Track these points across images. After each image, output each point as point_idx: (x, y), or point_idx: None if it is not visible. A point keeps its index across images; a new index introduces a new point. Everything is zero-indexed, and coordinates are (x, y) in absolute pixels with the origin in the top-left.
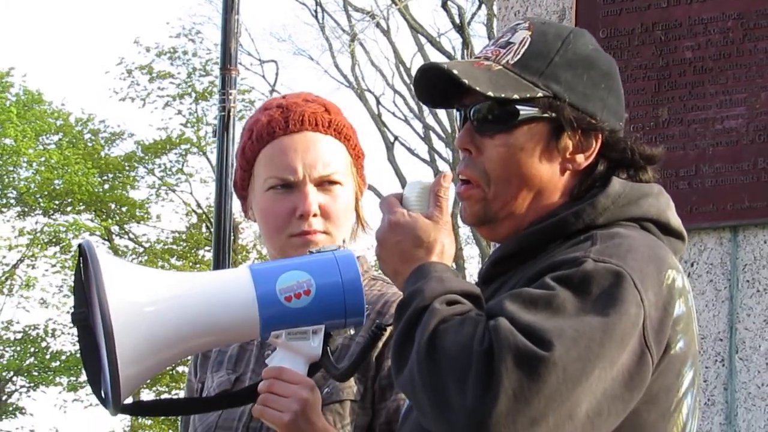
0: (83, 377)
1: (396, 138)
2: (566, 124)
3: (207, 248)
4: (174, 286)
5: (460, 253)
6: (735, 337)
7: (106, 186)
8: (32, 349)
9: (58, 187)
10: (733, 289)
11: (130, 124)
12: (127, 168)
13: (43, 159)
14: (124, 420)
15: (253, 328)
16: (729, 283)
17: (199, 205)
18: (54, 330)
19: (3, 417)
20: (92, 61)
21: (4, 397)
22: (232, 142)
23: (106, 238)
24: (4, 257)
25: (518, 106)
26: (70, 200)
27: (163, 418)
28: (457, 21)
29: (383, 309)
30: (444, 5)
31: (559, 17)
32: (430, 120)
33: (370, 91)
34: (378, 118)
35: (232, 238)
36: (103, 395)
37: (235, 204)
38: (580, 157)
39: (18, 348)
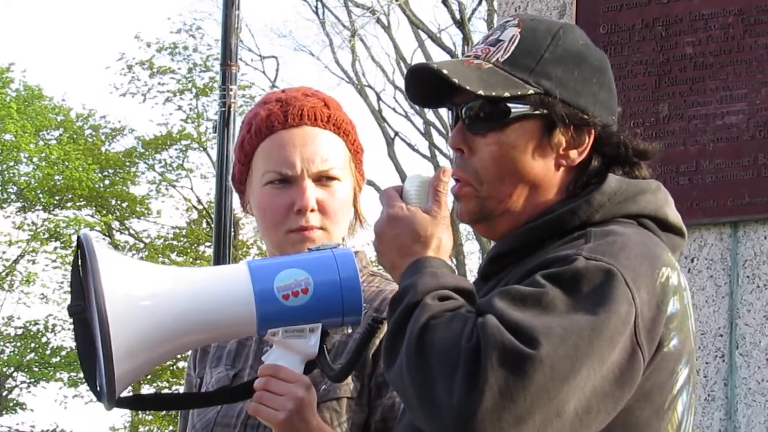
0: None
1: (396, 134)
2: (558, 121)
3: (207, 244)
4: (171, 281)
5: (460, 248)
6: (735, 332)
7: (107, 181)
8: (33, 345)
9: (58, 183)
10: (734, 285)
11: (131, 119)
12: (127, 164)
13: (43, 154)
14: (125, 416)
15: (250, 325)
16: (729, 278)
17: (199, 201)
18: (54, 325)
19: (3, 413)
20: (93, 57)
21: (4, 393)
22: (233, 138)
23: (107, 233)
24: (4, 253)
25: (509, 104)
26: (70, 196)
27: (162, 413)
28: (458, 17)
29: (381, 306)
30: (444, 1)
31: (559, 13)
32: (430, 116)
33: (370, 87)
34: (378, 114)
35: (233, 233)
36: (98, 389)
37: (236, 200)
38: (573, 153)
39: (18, 344)
